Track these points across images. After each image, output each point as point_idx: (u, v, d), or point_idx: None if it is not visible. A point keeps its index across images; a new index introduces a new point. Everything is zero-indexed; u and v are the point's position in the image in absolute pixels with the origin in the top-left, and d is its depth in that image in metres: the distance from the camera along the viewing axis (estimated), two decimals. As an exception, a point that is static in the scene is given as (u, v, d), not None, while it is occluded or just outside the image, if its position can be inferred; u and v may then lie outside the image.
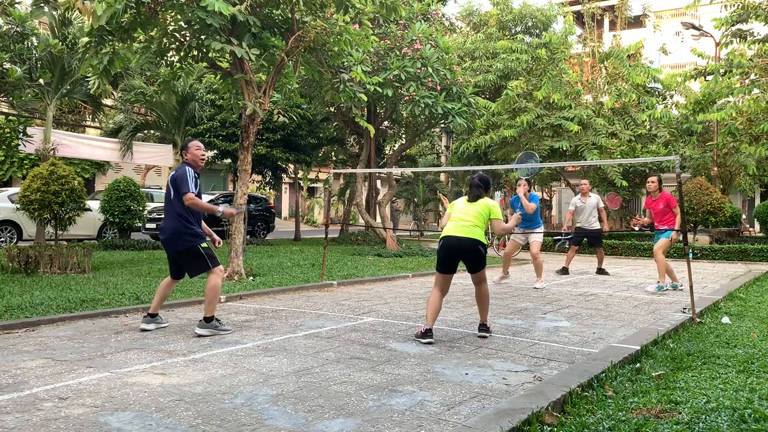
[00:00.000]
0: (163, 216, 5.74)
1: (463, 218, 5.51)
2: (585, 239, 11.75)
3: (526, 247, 10.16)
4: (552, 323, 6.34)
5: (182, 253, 5.51)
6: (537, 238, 9.62)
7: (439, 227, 6.06)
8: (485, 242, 5.51)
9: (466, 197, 5.76)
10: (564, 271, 11.61)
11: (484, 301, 5.63)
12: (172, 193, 5.52)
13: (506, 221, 10.43)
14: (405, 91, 14.29)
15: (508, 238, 9.86)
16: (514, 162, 8.40)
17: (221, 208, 5.63)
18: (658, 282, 8.58)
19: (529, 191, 9.52)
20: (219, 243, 5.85)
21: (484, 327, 5.65)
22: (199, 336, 5.36)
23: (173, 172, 5.60)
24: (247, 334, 5.57)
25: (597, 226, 11.31)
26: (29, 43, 12.17)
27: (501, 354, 4.93)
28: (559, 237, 18.24)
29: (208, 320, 5.45)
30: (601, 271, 11.54)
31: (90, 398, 3.66)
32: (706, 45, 21.73)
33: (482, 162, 22.37)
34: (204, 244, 5.51)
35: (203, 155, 5.71)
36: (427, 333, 5.32)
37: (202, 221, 5.73)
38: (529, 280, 10.48)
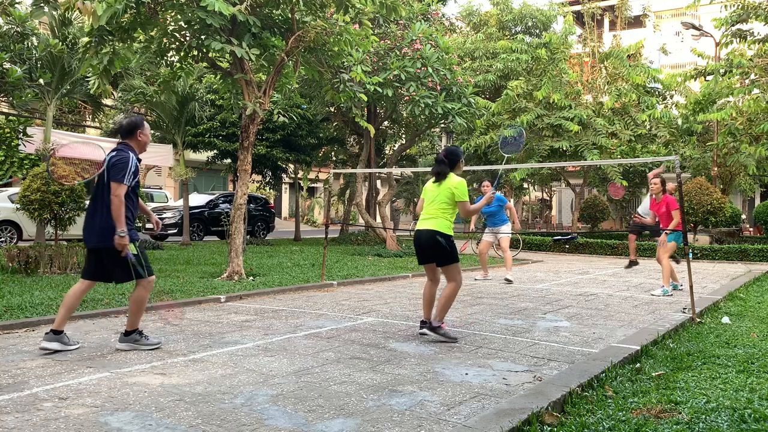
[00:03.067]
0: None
1: (428, 209, 5.44)
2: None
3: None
4: (552, 323, 6.34)
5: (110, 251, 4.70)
6: (505, 233, 10.22)
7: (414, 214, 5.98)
8: (447, 232, 5.32)
9: (434, 178, 5.53)
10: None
11: (445, 298, 5.39)
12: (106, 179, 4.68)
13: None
14: (405, 91, 14.29)
15: (476, 228, 10.07)
16: (501, 142, 8.56)
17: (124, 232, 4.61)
18: (663, 287, 8.58)
19: (494, 193, 9.83)
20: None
21: (427, 324, 5.40)
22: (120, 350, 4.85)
23: (112, 155, 4.72)
24: (247, 334, 5.57)
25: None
26: (29, 43, 12.15)
27: (501, 354, 4.92)
28: (559, 237, 18.30)
29: (128, 333, 4.87)
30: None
31: (90, 398, 3.66)
32: (706, 45, 21.75)
33: (482, 162, 22.37)
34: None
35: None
36: (422, 324, 5.49)
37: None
38: (530, 279, 10.51)
